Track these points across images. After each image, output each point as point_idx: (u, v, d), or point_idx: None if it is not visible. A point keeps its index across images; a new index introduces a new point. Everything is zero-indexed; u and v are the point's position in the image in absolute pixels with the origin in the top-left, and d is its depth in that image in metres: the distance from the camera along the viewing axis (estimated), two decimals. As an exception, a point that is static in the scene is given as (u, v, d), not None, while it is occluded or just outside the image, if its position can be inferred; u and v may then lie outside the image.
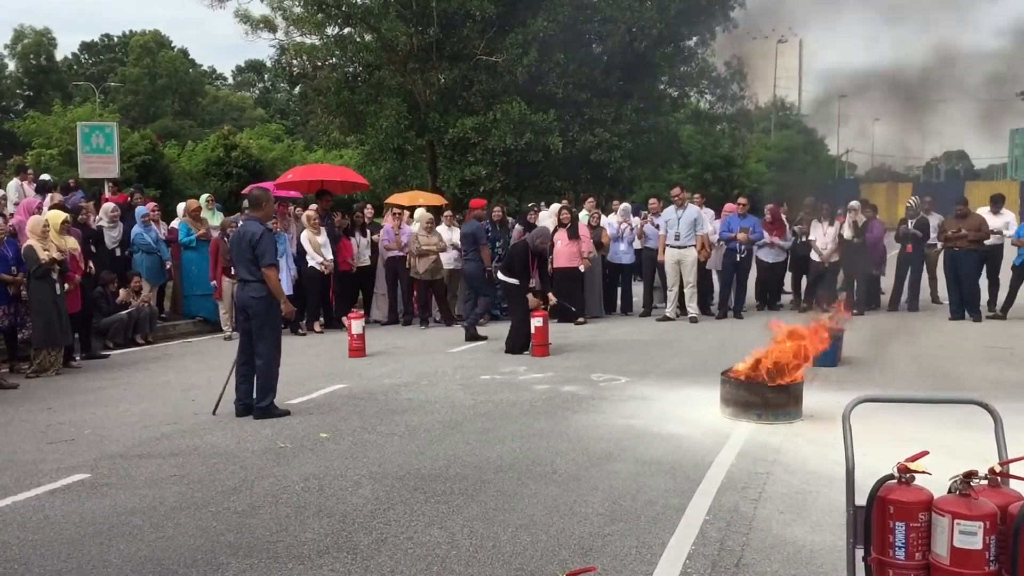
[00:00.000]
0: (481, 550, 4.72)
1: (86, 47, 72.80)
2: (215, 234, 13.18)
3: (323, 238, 13.62)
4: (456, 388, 9.15)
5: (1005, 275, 14.26)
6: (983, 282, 14.31)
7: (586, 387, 9.13)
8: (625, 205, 16.15)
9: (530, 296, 11.42)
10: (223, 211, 16.04)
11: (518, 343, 11.31)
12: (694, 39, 25.60)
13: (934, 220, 15.27)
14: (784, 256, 15.21)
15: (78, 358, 11.03)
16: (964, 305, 14.05)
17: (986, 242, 14.11)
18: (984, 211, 14.65)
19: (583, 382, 9.39)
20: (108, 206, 13.33)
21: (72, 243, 10.65)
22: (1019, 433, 3.88)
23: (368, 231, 14.86)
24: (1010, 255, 14.33)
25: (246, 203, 9.65)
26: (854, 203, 14.62)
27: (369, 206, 16.12)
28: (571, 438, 7.05)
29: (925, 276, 15.55)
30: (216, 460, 6.54)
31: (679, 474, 6.04)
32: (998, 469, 2.97)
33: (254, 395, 7.93)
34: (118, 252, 12.99)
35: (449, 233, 14.55)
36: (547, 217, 14.83)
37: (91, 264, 11.23)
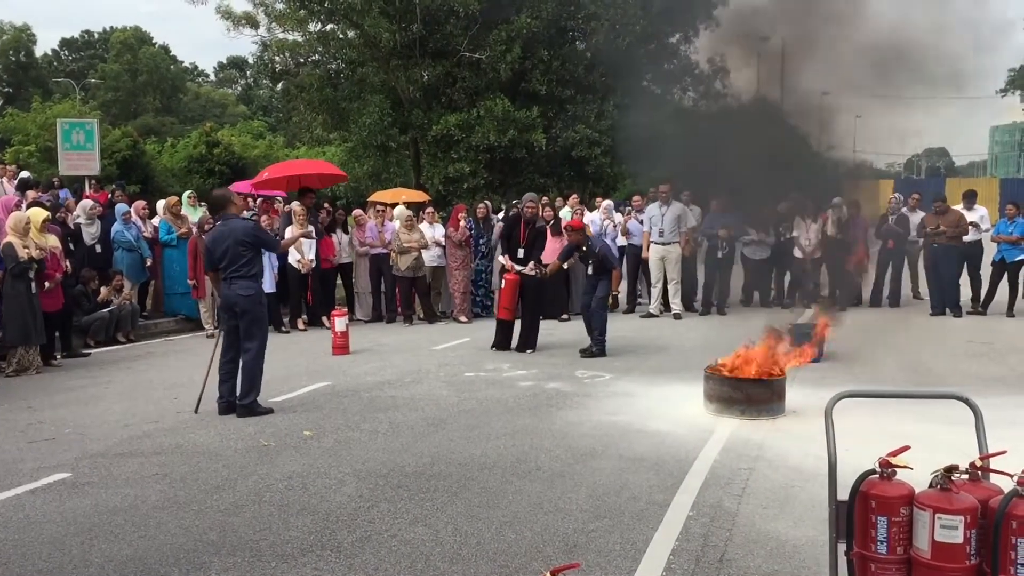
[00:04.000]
0: (465, 547, 4.72)
1: (66, 43, 72.16)
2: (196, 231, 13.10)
3: (308, 235, 13.55)
4: (440, 385, 9.14)
5: (985, 271, 14.39)
6: (963, 278, 14.42)
7: (570, 384, 9.14)
8: (608, 202, 16.18)
9: (505, 257, 11.20)
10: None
11: (528, 340, 11.17)
12: (677, 36, 25.64)
13: (915, 217, 15.39)
14: (768, 253, 15.23)
15: (59, 356, 10.94)
16: (944, 301, 14.17)
17: (965, 238, 14.25)
18: (957, 208, 14.80)
19: (567, 379, 9.40)
20: (86, 203, 13.23)
21: (53, 240, 10.57)
22: (999, 427, 3.91)
23: (349, 228, 14.85)
24: (990, 251, 14.46)
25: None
26: (837, 200, 14.70)
27: (328, 204, 16.03)
28: (555, 435, 7.05)
29: (906, 272, 15.66)
30: (199, 458, 6.51)
31: (663, 470, 6.06)
32: (978, 463, 3.00)
33: (237, 393, 7.90)
34: (97, 249, 12.88)
35: (431, 230, 14.51)
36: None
37: (68, 262, 11.13)
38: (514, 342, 11.28)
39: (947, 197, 15.34)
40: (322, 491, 5.69)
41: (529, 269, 11.14)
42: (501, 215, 15.05)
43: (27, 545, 4.84)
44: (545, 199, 16.35)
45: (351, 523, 5.10)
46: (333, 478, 5.96)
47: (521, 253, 11.26)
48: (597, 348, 10.75)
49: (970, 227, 14.34)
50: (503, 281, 11.01)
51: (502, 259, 11.40)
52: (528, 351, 11.07)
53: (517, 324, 11.33)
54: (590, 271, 10.95)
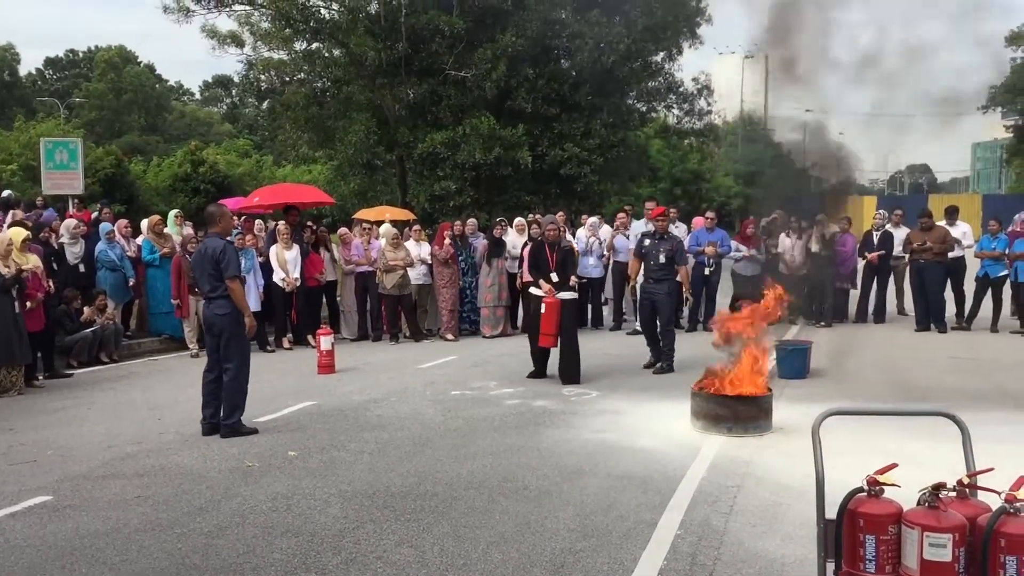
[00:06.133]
0: (452, 568, 4.68)
1: (50, 62, 71.96)
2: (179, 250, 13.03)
3: (292, 254, 13.53)
4: (426, 404, 9.09)
5: (969, 287, 14.47)
6: (948, 294, 14.49)
7: (557, 402, 9.11)
8: (593, 219, 16.18)
9: (542, 282, 10.40)
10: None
11: (571, 370, 10.27)
12: (661, 55, 25.84)
13: (899, 233, 15.48)
14: (760, 269, 15.23)
15: (41, 377, 10.83)
16: (929, 316, 14.23)
17: (949, 254, 14.32)
18: (941, 223, 14.89)
19: (554, 397, 9.37)
20: (70, 222, 13.14)
21: (35, 260, 10.48)
22: (986, 444, 3.90)
23: (331, 246, 14.85)
24: (974, 267, 14.55)
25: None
26: (820, 216, 14.77)
27: (312, 223, 15.97)
28: (542, 453, 7.02)
29: (891, 288, 15.74)
30: (182, 480, 6.44)
31: (650, 488, 6.04)
32: (966, 481, 2.99)
33: (221, 414, 7.84)
34: (81, 268, 12.79)
35: (417, 248, 14.50)
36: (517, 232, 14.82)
37: (51, 282, 11.04)
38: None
39: (931, 213, 15.43)
40: (307, 512, 5.63)
41: (572, 284, 10.58)
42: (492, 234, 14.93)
43: (6, 570, 4.76)
44: (532, 216, 16.36)
45: (336, 544, 5.05)
46: (318, 499, 5.91)
47: (555, 277, 10.43)
48: (666, 364, 10.74)
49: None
50: (543, 306, 10.26)
51: (536, 290, 10.60)
52: (573, 384, 10.10)
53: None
54: (662, 259, 10.77)
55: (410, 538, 5.13)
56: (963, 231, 14.84)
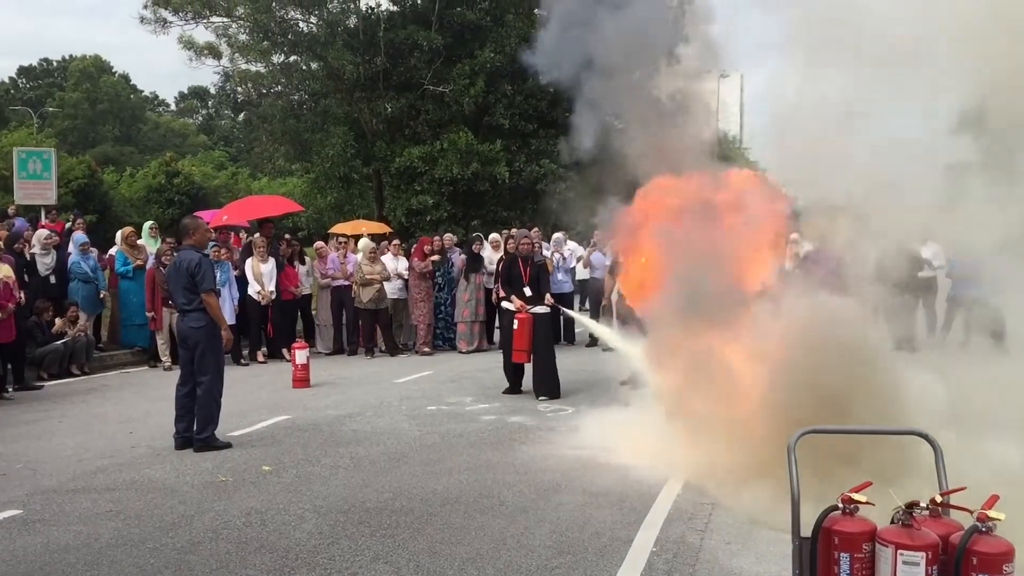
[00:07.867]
0: (427, 585, 4.66)
1: (24, 71, 71.33)
2: (152, 263, 12.92)
3: (268, 267, 13.47)
4: (402, 419, 9.06)
5: (940, 307, 14.59)
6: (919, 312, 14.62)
7: (533, 417, 9.11)
8: (557, 235, 16.23)
9: (514, 298, 10.37)
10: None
11: (547, 384, 10.28)
12: (637, 74, 26.01)
13: (872, 252, 15.58)
14: None
15: (11, 389, 10.69)
16: (900, 336, 14.32)
17: (919, 274, 14.43)
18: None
19: (530, 412, 9.37)
20: (42, 233, 13.01)
21: (6, 270, 10.37)
22: (958, 463, 3.94)
23: (306, 259, 14.81)
24: (945, 286, 14.69)
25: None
26: (794, 235, 14.84)
27: (287, 236, 15.91)
28: (518, 469, 7.02)
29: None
30: (154, 495, 6.37)
31: (626, 505, 6.05)
32: (939, 499, 3.02)
33: (194, 428, 7.77)
34: (52, 279, 12.65)
35: (394, 262, 14.48)
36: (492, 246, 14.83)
37: (22, 293, 10.91)
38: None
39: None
40: (281, 528, 5.59)
41: (548, 302, 10.48)
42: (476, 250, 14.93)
43: (-26, 586, 4.70)
44: (509, 232, 16.38)
45: (311, 561, 5.01)
46: (292, 514, 5.86)
47: (528, 292, 10.40)
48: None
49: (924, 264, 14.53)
50: (515, 322, 10.22)
51: (508, 304, 10.53)
52: (548, 398, 10.11)
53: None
54: None
55: (385, 554, 5.10)
56: (933, 251, 14.97)
